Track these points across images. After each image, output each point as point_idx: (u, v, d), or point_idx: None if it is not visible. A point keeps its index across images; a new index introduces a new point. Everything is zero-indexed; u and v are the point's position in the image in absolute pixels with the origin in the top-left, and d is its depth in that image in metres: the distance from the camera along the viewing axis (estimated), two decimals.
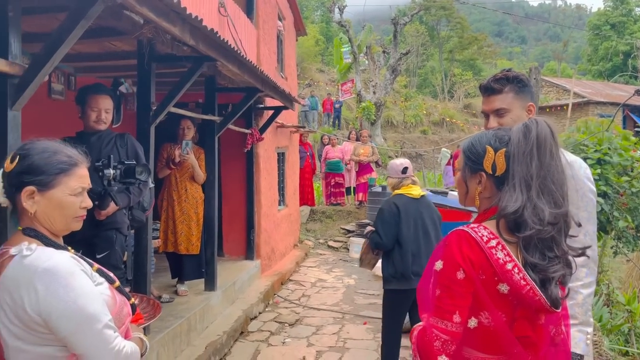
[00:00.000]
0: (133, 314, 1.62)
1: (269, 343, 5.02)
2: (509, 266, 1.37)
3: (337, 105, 20.61)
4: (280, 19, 8.85)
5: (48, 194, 1.45)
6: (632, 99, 6.93)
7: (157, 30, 3.15)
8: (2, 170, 1.49)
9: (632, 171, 4.88)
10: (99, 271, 1.52)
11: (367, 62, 20.50)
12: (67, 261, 1.41)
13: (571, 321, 1.73)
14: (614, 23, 35.71)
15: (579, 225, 1.49)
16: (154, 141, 3.83)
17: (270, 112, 7.15)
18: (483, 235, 1.41)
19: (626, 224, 4.80)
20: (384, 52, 20.19)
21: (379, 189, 9.67)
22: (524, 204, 1.37)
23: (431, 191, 6.37)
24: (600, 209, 4.56)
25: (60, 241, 1.52)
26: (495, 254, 1.39)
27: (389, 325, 3.81)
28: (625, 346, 4.82)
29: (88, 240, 3.18)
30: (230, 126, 5.67)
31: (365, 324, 5.57)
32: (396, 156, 20.22)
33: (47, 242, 1.45)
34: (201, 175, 5.10)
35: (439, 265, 1.45)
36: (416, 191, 3.84)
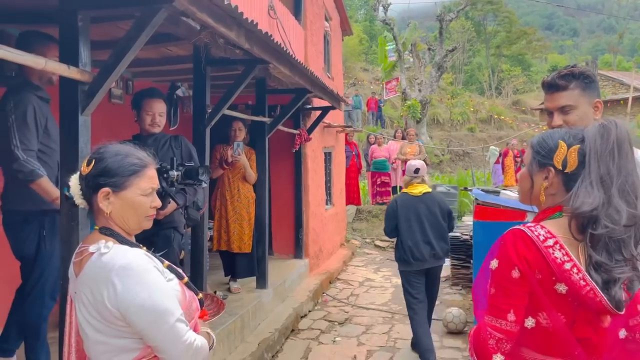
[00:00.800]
0: (200, 309, 1.68)
1: (320, 341, 5.07)
2: (567, 266, 1.35)
3: (381, 105, 20.50)
4: (327, 20, 8.90)
5: (122, 194, 1.52)
6: None
7: (213, 35, 3.23)
8: (79, 173, 1.58)
9: None
10: (169, 268, 1.58)
11: (411, 59, 20.27)
12: (141, 258, 1.48)
13: None
14: None
15: None
16: (209, 142, 3.94)
17: (318, 113, 7.19)
18: (540, 234, 1.39)
19: None
20: (429, 49, 19.90)
21: None
22: (602, 203, 1.35)
23: (482, 190, 6.23)
24: None
25: (133, 239, 1.60)
26: (553, 253, 1.37)
27: (407, 301, 4.54)
28: None
29: (148, 239, 3.28)
30: (280, 127, 5.75)
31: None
32: (442, 155, 19.92)
33: (122, 241, 1.52)
34: (252, 175, 5.20)
35: (494, 264, 1.44)
36: (417, 189, 4.48)
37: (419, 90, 18.92)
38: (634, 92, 17.77)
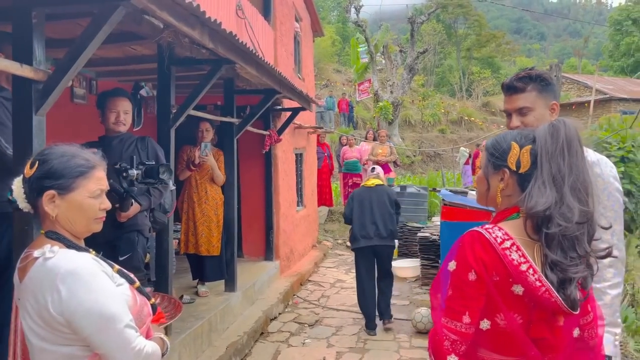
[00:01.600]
0: (154, 314, 1.64)
1: (289, 344, 5.03)
2: (524, 267, 1.37)
3: (352, 106, 20.58)
4: (297, 20, 8.87)
5: (68, 197, 1.47)
6: None
7: (176, 34, 3.18)
8: (22, 176, 1.52)
9: None
10: (119, 272, 1.55)
11: (384, 61, 20.44)
12: (88, 263, 1.43)
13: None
14: (635, 18, 34.84)
15: (609, 227, 1.48)
16: (174, 143, 3.87)
17: (288, 114, 7.17)
18: (497, 237, 1.40)
19: None
20: (400, 51, 20.12)
21: (397, 189, 9.61)
22: (554, 201, 1.37)
23: (451, 191, 6.31)
24: (625, 207, 4.46)
25: (82, 243, 1.55)
26: (510, 255, 1.38)
27: (356, 274, 5.60)
28: None
29: (110, 243, 3.22)
30: (249, 128, 5.70)
31: (385, 324, 5.53)
32: (414, 156, 20.12)
33: (69, 245, 1.47)
34: (220, 176, 5.14)
35: (452, 265, 1.45)
36: (371, 182, 5.56)
37: (391, 92, 19.08)
38: (597, 94, 18.30)
